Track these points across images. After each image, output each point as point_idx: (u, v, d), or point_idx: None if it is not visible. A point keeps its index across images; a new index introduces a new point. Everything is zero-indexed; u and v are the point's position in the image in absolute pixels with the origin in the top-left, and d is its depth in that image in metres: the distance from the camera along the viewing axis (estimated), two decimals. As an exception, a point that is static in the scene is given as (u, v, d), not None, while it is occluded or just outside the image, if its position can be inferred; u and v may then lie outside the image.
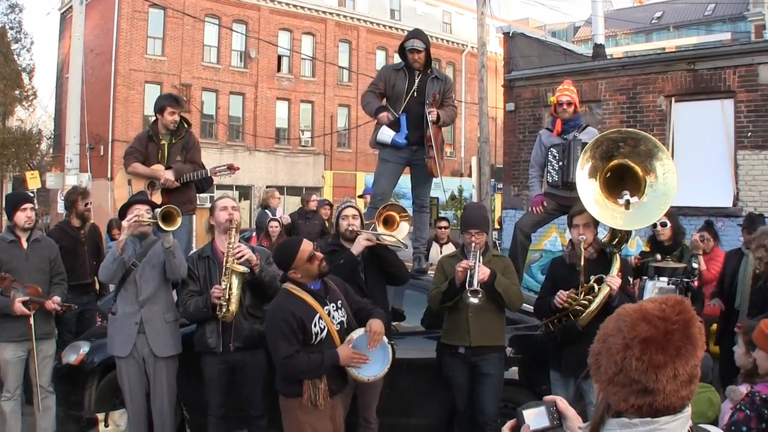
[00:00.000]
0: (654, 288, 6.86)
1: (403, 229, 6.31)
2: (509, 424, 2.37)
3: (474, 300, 5.59)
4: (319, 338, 4.92)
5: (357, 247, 5.89)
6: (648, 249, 7.99)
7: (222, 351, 5.93)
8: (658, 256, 7.26)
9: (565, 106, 7.32)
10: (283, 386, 5.05)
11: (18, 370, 6.67)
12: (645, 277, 7.14)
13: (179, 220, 5.92)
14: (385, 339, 5.12)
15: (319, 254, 5.09)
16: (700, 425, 2.12)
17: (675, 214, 7.82)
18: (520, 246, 7.66)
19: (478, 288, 5.62)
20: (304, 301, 4.94)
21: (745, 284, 7.50)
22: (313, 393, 4.86)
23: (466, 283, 5.69)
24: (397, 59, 7.84)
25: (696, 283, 7.05)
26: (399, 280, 6.35)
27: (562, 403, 2.36)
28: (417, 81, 7.42)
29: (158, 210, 5.89)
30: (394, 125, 7.40)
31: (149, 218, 6.00)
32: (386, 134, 7.40)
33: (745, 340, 4.54)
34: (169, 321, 6.23)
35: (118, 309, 6.22)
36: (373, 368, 5.05)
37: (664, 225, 7.51)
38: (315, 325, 4.90)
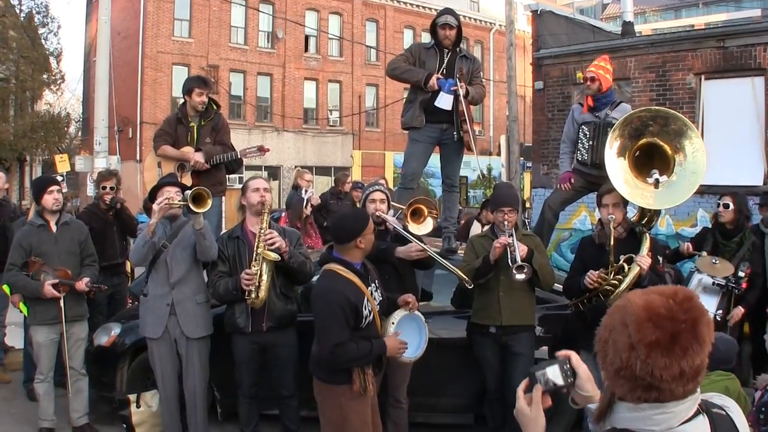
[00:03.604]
0: (699, 285, 6.78)
1: (428, 225, 6.28)
2: (522, 384, 2.35)
3: (521, 276, 5.64)
4: (367, 321, 4.73)
5: (405, 253, 5.87)
6: (712, 225, 7.80)
7: (253, 331, 5.95)
8: (704, 253, 7.16)
9: (588, 83, 7.22)
10: (327, 374, 4.80)
11: (51, 353, 6.75)
12: (695, 268, 7.04)
13: (209, 202, 5.90)
14: (420, 316, 5.12)
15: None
16: (709, 400, 2.09)
17: (742, 195, 7.54)
18: (547, 224, 7.65)
19: (523, 264, 5.64)
20: (354, 282, 4.70)
21: None
22: (363, 381, 4.69)
23: (509, 260, 5.70)
24: (425, 38, 7.80)
25: (744, 285, 6.91)
26: (426, 267, 6.27)
27: (576, 359, 2.32)
28: (446, 59, 7.39)
29: (188, 192, 5.89)
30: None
31: (179, 200, 6.00)
32: (445, 99, 7.23)
33: None
34: (200, 302, 6.26)
35: (150, 291, 6.24)
36: (412, 348, 5.00)
37: (726, 206, 7.29)
38: (365, 308, 4.70)
